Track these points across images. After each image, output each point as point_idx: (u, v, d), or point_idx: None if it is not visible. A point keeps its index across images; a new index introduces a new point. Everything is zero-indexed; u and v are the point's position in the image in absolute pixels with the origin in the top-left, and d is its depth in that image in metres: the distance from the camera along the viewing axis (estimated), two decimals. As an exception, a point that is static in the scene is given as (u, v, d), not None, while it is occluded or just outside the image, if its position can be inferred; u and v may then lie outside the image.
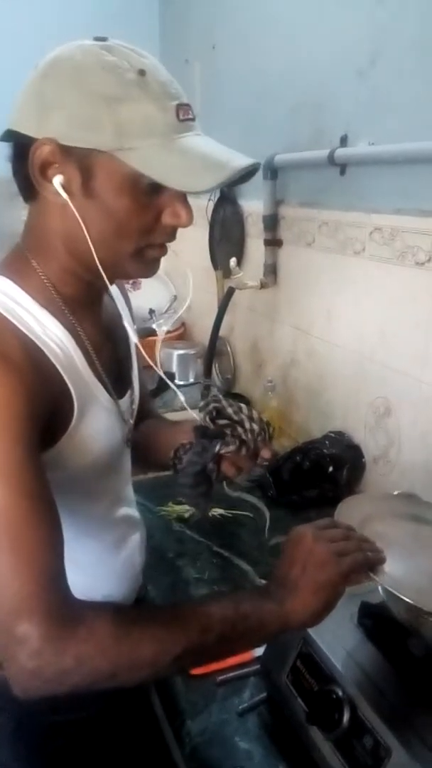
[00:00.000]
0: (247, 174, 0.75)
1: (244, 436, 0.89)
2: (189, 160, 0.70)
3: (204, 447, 0.90)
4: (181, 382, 2.33)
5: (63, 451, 0.78)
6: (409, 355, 1.34)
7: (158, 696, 1.04)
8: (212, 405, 0.90)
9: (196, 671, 0.98)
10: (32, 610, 0.62)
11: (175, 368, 2.33)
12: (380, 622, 0.83)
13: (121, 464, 0.95)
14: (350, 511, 0.84)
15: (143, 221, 0.73)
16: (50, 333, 0.75)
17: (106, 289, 0.87)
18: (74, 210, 0.72)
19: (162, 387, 2.26)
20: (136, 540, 1.00)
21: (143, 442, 1.05)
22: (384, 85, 1.34)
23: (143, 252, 0.77)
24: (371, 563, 0.74)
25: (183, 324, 2.64)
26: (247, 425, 0.89)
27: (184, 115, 0.72)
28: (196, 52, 2.26)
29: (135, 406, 0.95)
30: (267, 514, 1.42)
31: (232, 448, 0.88)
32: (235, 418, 0.89)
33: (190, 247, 2.44)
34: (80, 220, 0.72)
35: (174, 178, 0.69)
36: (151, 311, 2.41)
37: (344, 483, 1.49)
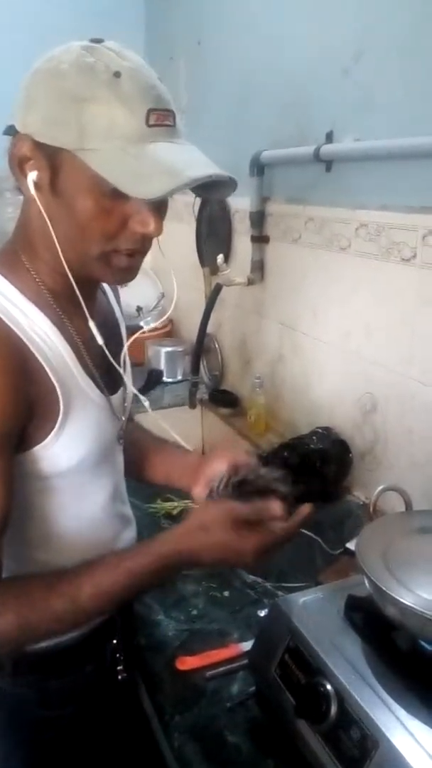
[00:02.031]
0: (223, 187, 0.75)
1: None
2: (143, 165, 0.68)
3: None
4: (170, 380, 2.32)
5: (52, 447, 0.78)
6: (395, 351, 1.35)
7: (147, 691, 1.04)
8: (234, 479, 0.89)
9: (185, 667, 0.99)
10: None
11: (163, 365, 2.33)
12: (367, 616, 0.83)
13: (114, 461, 0.94)
14: (372, 537, 0.85)
15: (106, 225, 0.73)
16: (37, 328, 0.76)
17: (96, 287, 0.88)
18: (40, 207, 0.73)
19: (150, 384, 2.26)
20: (128, 538, 1.00)
21: (136, 460, 1.05)
22: (369, 82, 1.34)
23: (109, 257, 0.76)
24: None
25: (171, 321, 2.64)
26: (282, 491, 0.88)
27: (157, 120, 0.70)
28: (182, 48, 2.26)
29: (128, 404, 0.94)
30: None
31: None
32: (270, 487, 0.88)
33: (177, 244, 2.44)
34: (46, 218, 0.73)
35: (125, 181, 0.68)
36: (139, 308, 2.41)
37: (331, 478, 1.50)
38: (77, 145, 0.69)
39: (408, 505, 0.95)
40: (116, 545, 0.96)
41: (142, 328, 2.43)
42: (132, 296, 2.39)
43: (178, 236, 2.35)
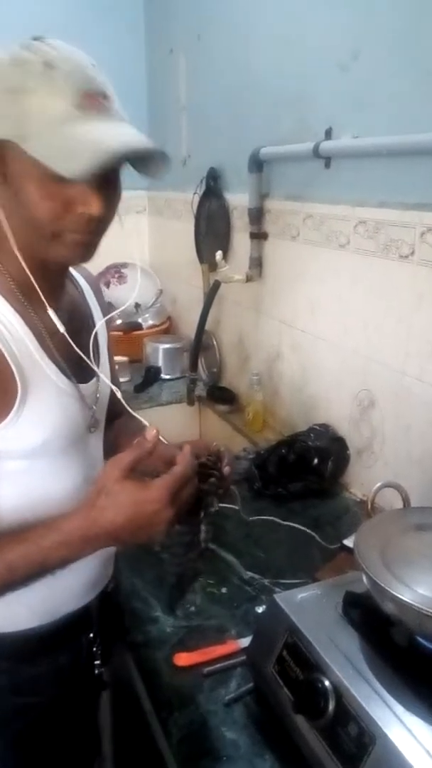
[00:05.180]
0: (155, 161, 0.78)
1: (218, 484, 0.88)
2: (71, 144, 0.71)
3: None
4: (168, 377, 2.33)
5: (12, 428, 0.80)
6: (393, 347, 1.35)
7: (145, 688, 1.04)
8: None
9: (183, 663, 0.99)
10: None
11: (161, 362, 2.33)
12: (364, 612, 0.84)
13: (86, 449, 0.94)
14: (370, 534, 0.85)
15: (52, 208, 0.75)
16: None
17: (61, 277, 0.91)
18: None
19: (148, 381, 2.26)
20: None
21: (113, 442, 1.06)
22: (367, 80, 1.34)
23: (59, 236, 0.78)
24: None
25: (169, 318, 2.63)
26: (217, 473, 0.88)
27: (89, 103, 0.73)
28: (181, 43, 2.25)
29: (100, 395, 0.95)
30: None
31: (216, 507, 0.87)
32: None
33: (175, 241, 2.44)
34: None
35: (56, 162, 0.70)
36: (137, 305, 2.41)
37: (329, 475, 1.51)
38: (16, 134, 0.72)
39: (406, 501, 0.95)
40: None
41: (140, 325, 2.43)
42: (130, 293, 2.39)
43: (176, 233, 2.34)
